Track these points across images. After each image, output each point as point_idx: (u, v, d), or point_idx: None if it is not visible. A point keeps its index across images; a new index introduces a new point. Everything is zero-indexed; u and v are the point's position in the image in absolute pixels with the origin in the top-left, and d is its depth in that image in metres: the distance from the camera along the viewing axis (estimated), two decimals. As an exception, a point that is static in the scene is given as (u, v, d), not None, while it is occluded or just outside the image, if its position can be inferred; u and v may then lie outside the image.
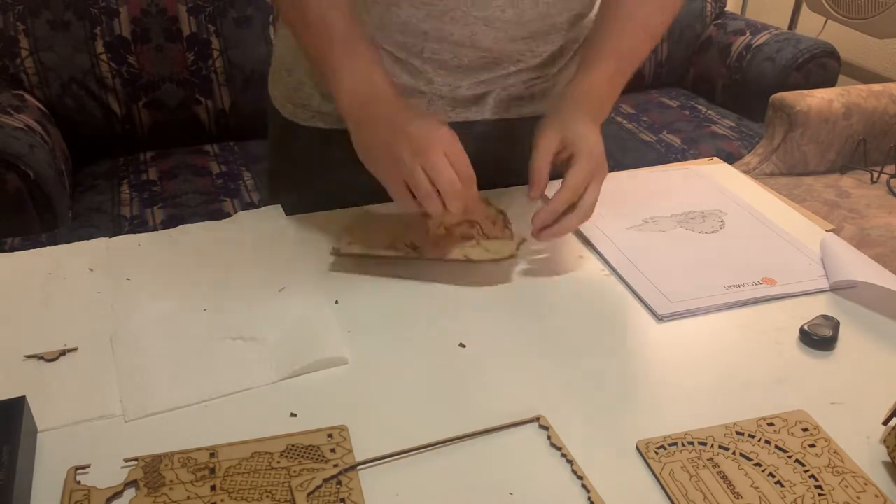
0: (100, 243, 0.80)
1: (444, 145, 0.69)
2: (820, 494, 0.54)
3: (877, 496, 0.54)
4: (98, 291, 0.72)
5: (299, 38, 0.79)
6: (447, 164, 0.68)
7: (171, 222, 1.75)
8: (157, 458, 0.55)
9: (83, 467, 0.54)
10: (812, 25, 2.66)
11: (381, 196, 0.75)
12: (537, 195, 0.76)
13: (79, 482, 0.53)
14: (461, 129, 0.88)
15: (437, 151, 0.68)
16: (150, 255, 0.78)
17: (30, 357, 0.64)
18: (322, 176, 0.91)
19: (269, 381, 0.63)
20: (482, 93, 0.88)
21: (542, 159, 0.76)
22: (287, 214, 0.85)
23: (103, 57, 1.96)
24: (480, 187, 0.73)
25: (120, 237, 0.81)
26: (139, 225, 1.76)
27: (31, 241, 1.63)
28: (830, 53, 2.33)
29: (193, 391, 0.61)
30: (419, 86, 0.85)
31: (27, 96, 1.89)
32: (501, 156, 0.92)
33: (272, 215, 0.84)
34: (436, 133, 0.70)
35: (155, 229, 0.91)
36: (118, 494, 0.52)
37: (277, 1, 0.82)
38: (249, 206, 1.84)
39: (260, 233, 0.82)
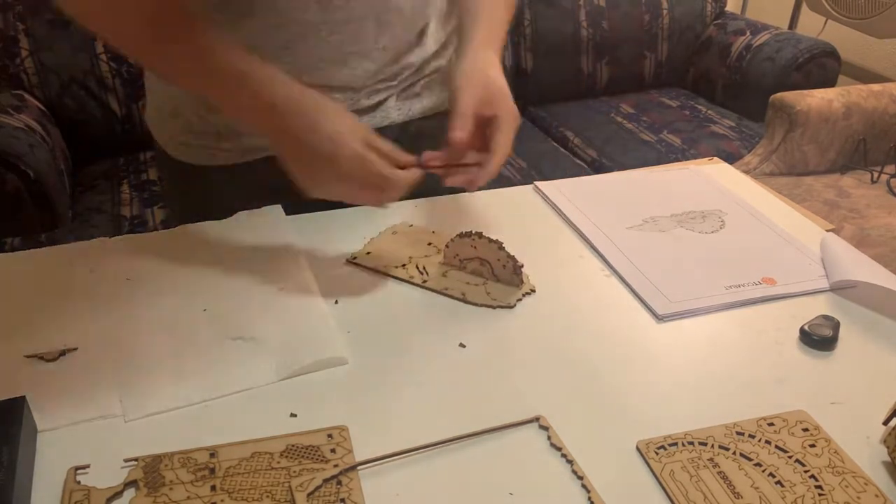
0: (100, 243, 0.80)
1: (357, 151, 0.69)
2: (820, 494, 0.54)
3: (877, 496, 0.54)
4: (98, 291, 0.72)
5: (175, 81, 0.77)
6: (363, 168, 0.69)
7: (170, 222, 1.75)
8: (157, 458, 0.55)
9: (83, 467, 0.54)
10: (812, 25, 2.66)
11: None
12: (463, 136, 0.73)
13: (79, 482, 0.53)
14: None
15: (352, 168, 0.69)
16: (150, 255, 0.78)
17: (30, 357, 0.64)
18: (200, 207, 0.86)
19: (268, 381, 0.63)
20: (382, 99, 0.86)
21: (465, 103, 0.74)
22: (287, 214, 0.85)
23: (103, 57, 1.96)
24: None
25: (120, 237, 0.81)
26: (139, 225, 1.76)
27: (30, 241, 1.63)
28: (830, 53, 2.34)
29: (193, 391, 0.61)
30: None
31: (27, 96, 1.89)
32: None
33: (272, 215, 0.84)
34: (346, 143, 0.69)
35: (155, 229, 0.91)
36: (118, 494, 0.52)
37: (143, 56, 0.76)
38: (249, 206, 1.84)
39: (260, 233, 0.82)
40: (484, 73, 0.76)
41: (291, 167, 0.71)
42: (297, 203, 0.86)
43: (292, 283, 0.74)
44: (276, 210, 0.85)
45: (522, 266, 0.74)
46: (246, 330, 0.68)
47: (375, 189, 0.70)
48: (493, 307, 0.72)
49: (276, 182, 0.74)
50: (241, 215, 0.84)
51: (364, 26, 0.80)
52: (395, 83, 0.86)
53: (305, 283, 0.74)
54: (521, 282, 0.75)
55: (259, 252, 0.78)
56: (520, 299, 0.73)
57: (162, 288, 0.73)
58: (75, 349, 0.65)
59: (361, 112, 0.86)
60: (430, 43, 0.88)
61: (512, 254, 0.73)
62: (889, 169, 1.73)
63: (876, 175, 1.72)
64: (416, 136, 0.90)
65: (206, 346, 0.66)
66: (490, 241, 0.74)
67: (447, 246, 0.76)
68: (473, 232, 0.74)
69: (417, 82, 0.89)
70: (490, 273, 0.75)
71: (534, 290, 0.74)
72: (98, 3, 0.72)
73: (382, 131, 0.86)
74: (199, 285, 0.73)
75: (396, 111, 0.89)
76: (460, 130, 0.72)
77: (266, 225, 0.83)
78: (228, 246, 0.80)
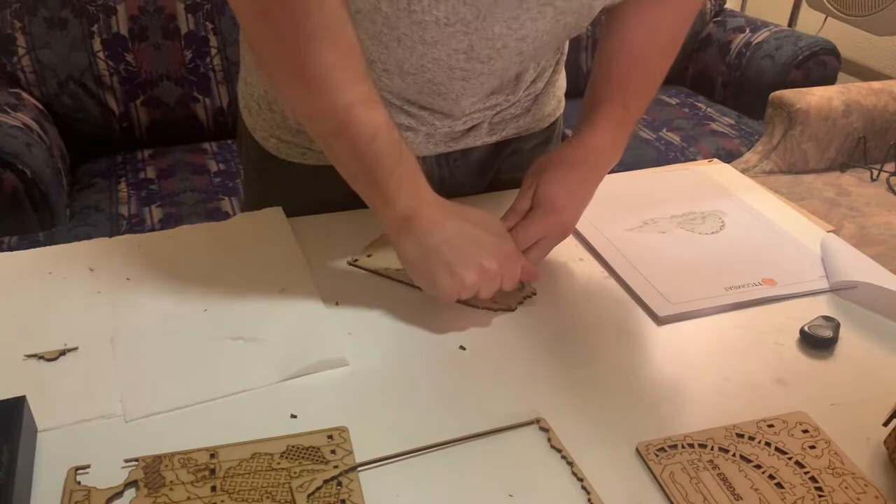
0: (100, 243, 0.80)
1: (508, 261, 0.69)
2: (820, 496, 0.54)
3: (877, 497, 0.54)
4: (98, 291, 0.72)
5: (326, 148, 0.68)
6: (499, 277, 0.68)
7: (169, 221, 1.75)
8: (158, 459, 0.55)
9: (83, 467, 0.54)
10: (812, 23, 2.66)
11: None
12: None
13: (79, 482, 0.53)
14: (461, 156, 0.89)
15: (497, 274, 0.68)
16: (150, 255, 0.78)
17: (30, 357, 0.64)
18: (314, 209, 0.86)
19: (269, 382, 0.63)
20: (476, 123, 0.86)
21: (510, 220, 0.74)
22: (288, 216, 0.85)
23: (101, 55, 1.96)
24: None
25: (120, 237, 0.81)
26: (137, 224, 1.76)
27: (28, 239, 1.63)
28: (830, 51, 2.34)
29: (193, 391, 0.61)
30: (417, 127, 0.83)
31: (24, 94, 1.89)
32: (501, 169, 0.94)
33: (272, 216, 0.84)
34: (502, 250, 0.68)
35: (153, 228, 0.91)
36: (118, 495, 0.52)
37: (286, 88, 0.68)
38: (248, 204, 1.84)
39: (260, 233, 0.81)
40: (564, 199, 0.74)
41: (415, 273, 0.69)
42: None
43: (293, 284, 0.74)
44: (277, 211, 0.85)
45: None
46: (246, 331, 0.67)
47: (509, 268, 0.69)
48: (495, 310, 0.72)
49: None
50: (242, 216, 0.84)
51: (491, 79, 0.78)
52: (491, 111, 0.86)
53: (306, 284, 0.74)
54: (522, 285, 0.74)
55: (259, 253, 0.78)
56: (521, 302, 0.73)
57: (162, 288, 0.73)
58: (76, 349, 0.65)
59: (455, 137, 0.86)
60: (531, 73, 0.87)
61: None
62: (889, 167, 1.73)
63: (876, 173, 1.72)
64: (506, 149, 0.92)
65: (206, 347, 0.66)
66: None
67: None
68: None
69: (512, 107, 0.88)
70: None
71: (534, 293, 0.74)
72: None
73: (473, 151, 0.90)
74: (200, 286, 0.73)
75: (488, 134, 0.89)
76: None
77: (266, 226, 0.83)
78: (229, 246, 0.79)
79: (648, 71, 0.81)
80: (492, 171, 0.94)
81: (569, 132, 0.83)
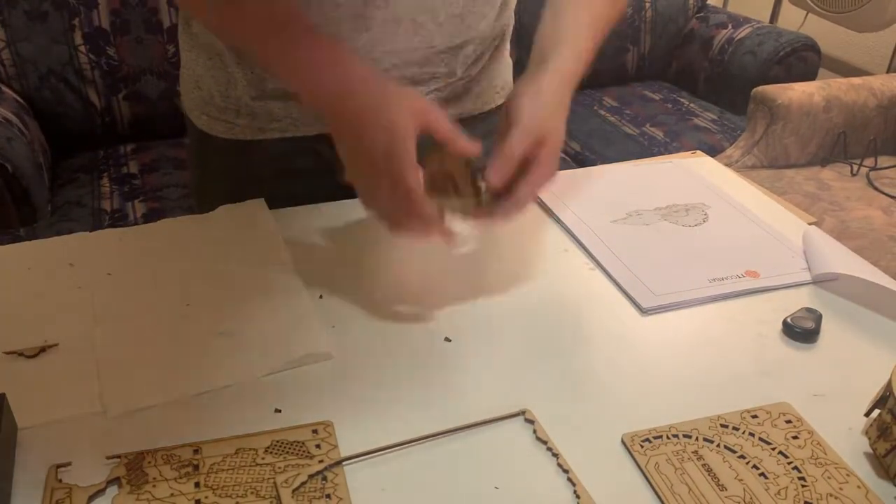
0: (80, 238, 0.79)
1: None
2: (803, 486, 0.54)
3: (859, 487, 0.54)
4: (79, 286, 0.71)
5: (232, 39, 0.75)
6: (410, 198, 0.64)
7: (152, 216, 1.74)
8: (140, 455, 0.54)
9: (65, 465, 0.54)
10: (793, 19, 2.68)
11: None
12: (499, 181, 0.69)
13: (60, 480, 0.52)
14: None
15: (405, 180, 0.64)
16: (131, 249, 0.77)
17: (9, 353, 0.63)
18: (243, 187, 0.87)
19: (252, 376, 0.62)
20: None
21: (513, 146, 0.69)
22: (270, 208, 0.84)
23: (82, 48, 1.94)
24: None
25: (101, 231, 0.80)
26: (120, 219, 1.74)
27: (9, 235, 1.61)
28: (811, 47, 2.35)
29: (175, 387, 0.61)
30: None
31: (4, 88, 1.86)
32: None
33: (254, 209, 0.83)
34: (403, 135, 0.64)
35: (136, 223, 0.91)
36: (101, 492, 0.52)
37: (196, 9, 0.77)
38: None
39: (242, 227, 0.81)
40: (544, 115, 0.71)
41: (343, 155, 0.68)
42: (294, 189, 0.86)
43: (276, 277, 0.73)
44: (259, 204, 0.84)
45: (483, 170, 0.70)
46: (229, 325, 0.67)
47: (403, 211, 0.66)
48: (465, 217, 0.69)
49: (286, 162, 0.75)
50: (224, 209, 0.83)
51: (399, 27, 0.78)
52: (425, 88, 0.85)
53: (289, 277, 0.73)
54: (479, 190, 0.70)
55: (242, 246, 0.78)
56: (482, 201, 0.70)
57: (143, 282, 0.72)
58: (56, 345, 0.64)
59: None
60: (468, 51, 0.86)
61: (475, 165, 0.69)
62: (868, 162, 1.75)
63: (856, 168, 1.74)
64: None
65: (189, 342, 0.65)
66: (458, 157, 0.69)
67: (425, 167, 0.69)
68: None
69: (448, 87, 0.88)
70: (453, 188, 0.70)
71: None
72: None
73: None
74: (182, 280, 0.72)
75: None
76: (498, 174, 0.68)
77: (248, 219, 0.82)
78: (211, 240, 0.79)
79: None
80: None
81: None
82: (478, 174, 0.69)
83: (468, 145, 0.67)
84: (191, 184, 1.02)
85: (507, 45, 0.95)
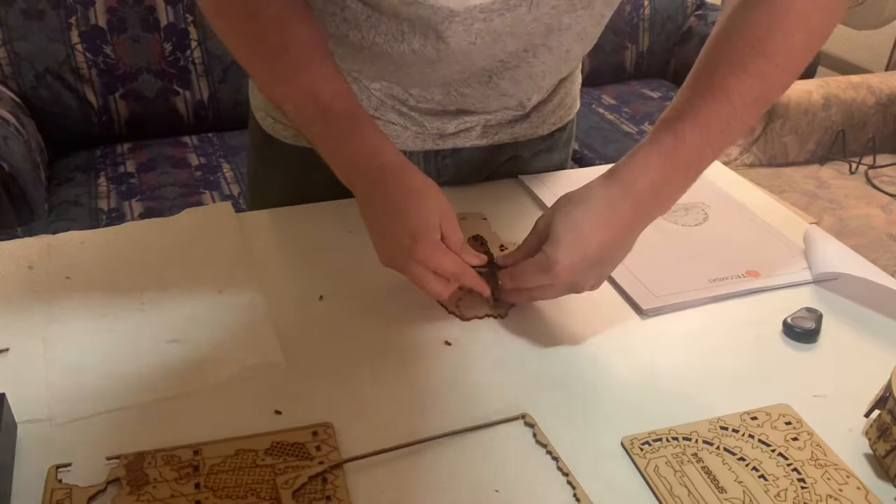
0: (41, 240, 0.77)
1: (421, 260, 0.63)
2: (803, 487, 0.54)
3: (859, 488, 0.54)
4: (35, 290, 0.70)
5: (278, 101, 0.70)
6: (438, 256, 0.63)
7: (149, 215, 1.73)
8: (140, 456, 0.54)
9: (64, 465, 0.53)
10: (791, 17, 2.67)
11: None
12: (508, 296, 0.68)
13: (60, 480, 0.52)
14: (450, 154, 0.88)
15: (427, 246, 0.63)
16: (93, 253, 0.76)
17: (-40, 358, 0.62)
18: (301, 194, 0.86)
19: (202, 385, 0.61)
20: (468, 127, 0.86)
21: (509, 256, 0.68)
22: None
23: (79, 47, 1.93)
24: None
25: (63, 234, 0.78)
26: (117, 218, 1.74)
27: (6, 235, 1.60)
28: (809, 45, 2.35)
29: (124, 395, 0.60)
30: (407, 125, 0.83)
31: (1, 87, 1.85)
32: (496, 175, 0.93)
33: (221, 212, 0.82)
34: (414, 249, 0.63)
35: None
36: (101, 493, 0.52)
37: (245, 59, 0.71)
38: (228, 198, 1.83)
39: (207, 231, 0.80)
40: (581, 268, 0.64)
41: (369, 230, 0.68)
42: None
43: (234, 283, 0.72)
44: (226, 207, 0.83)
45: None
46: (182, 332, 0.66)
47: (442, 280, 0.65)
48: (481, 317, 0.70)
49: None
50: (190, 212, 0.83)
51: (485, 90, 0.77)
52: (487, 115, 0.85)
53: (247, 283, 0.72)
54: (497, 304, 0.71)
55: (205, 251, 0.77)
56: (512, 305, 0.71)
57: (101, 287, 0.71)
58: (6, 350, 0.63)
59: (445, 135, 0.85)
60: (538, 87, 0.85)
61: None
62: (867, 160, 1.75)
63: (854, 166, 1.74)
64: (503, 154, 0.91)
65: (140, 349, 0.64)
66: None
67: None
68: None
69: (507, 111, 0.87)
70: None
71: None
72: (229, 20, 0.70)
73: (463, 151, 0.88)
74: (140, 285, 0.71)
75: (479, 137, 0.87)
76: (507, 290, 0.67)
77: (214, 223, 0.81)
78: (175, 244, 0.78)
79: (749, 78, 0.63)
80: (485, 173, 0.92)
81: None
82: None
83: (472, 258, 0.66)
84: (247, 177, 1.02)
85: (580, 62, 0.90)
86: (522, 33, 0.69)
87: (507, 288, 0.68)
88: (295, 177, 0.88)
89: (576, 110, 0.95)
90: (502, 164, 0.92)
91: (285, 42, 0.67)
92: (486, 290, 0.67)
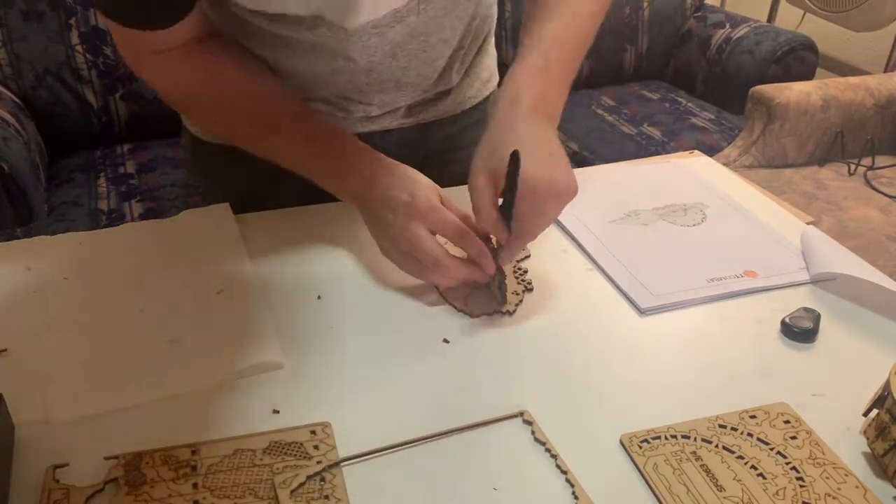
0: (40, 241, 0.77)
1: (421, 215, 0.68)
2: (801, 486, 0.54)
3: (857, 487, 0.54)
4: (34, 291, 0.70)
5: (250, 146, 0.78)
6: (438, 210, 0.69)
7: (149, 216, 1.73)
8: (138, 456, 0.54)
9: (62, 465, 0.53)
10: (791, 18, 2.68)
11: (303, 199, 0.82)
12: (502, 239, 0.69)
13: (57, 480, 0.52)
14: (380, 137, 0.89)
15: (428, 200, 0.69)
16: (91, 254, 0.76)
17: (-43, 359, 0.62)
18: (237, 191, 0.87)
19: (200, 385, 0.61)
20: (392, 109, 0.88)
21: (482, 207, 0.67)
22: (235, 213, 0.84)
23: (78, 48, 1.93)
24: None
25: (62, 235, 0.78)
26: (117, 219, 1.74)
27: (5, 235, 1.60)
28: (809, 47, 2.35)
29: (121, 396, 0.60)
30: (333, 111, 0.86)
31: (1, 88, 1.86)
32: (432, 153, 0.94)
33: (219, 214, 0.82)
34: (414, 203, 0.69)
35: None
36: (98, 492, 0.52)
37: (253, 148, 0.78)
38: (229, 199, 1.83)
39: (206, 231, 0.80)
40: (545, 174, 0.65)
41: (369, 227, 0.74)
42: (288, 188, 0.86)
43: (233, 284, 0.72)
44: (224, 209, 0.83)
45: (526, 272, 0.75)
46: (180, 332, 0.66)
47: (427, 269, 0.69)
48: (490, 314, 0.70)
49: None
50: (188, 213, 0.83)
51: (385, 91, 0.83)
52: (408, 98, 0.87)
53: (246, 284, 0.72)
54: (518, 288, 0.73)
55: (203, 252, 0.77)
56: (518, 304, 0.71)
57: (99, 287, 0.71)
58: (4, 350, 0.64)
59: (370, 119, 0.87)
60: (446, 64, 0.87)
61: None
62: (866, 161, 1.75)
63: (853, 167, 1.74)
64: (434, 131, 0.93)
65: (139, 349, 0.64)
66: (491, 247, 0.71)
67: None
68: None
69: (427, 92, 0.89)
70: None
71: (530, 287, 0.74)
72: (199, 107, 0.79)
73: (393, 132, 0.90)
74: (138, 285, 0.71)
75: (405, 116, 0.89)
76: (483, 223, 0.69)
77: (212, 224, 0.81)
78: (172, 245, 0.78)
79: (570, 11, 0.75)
80: (420, 153, 0.92)
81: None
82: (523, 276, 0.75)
83: (477, 226, 0.70)
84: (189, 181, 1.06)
85: (492, 38, 0.95)
86: (418, 35, 0.78)
87: (514, 245, 0.69)
88: (231, 176, 0.89)
89: (495, 82, 0.98)
90: (437, 141, 0.93)
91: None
92: (491, 265, 0.69)
